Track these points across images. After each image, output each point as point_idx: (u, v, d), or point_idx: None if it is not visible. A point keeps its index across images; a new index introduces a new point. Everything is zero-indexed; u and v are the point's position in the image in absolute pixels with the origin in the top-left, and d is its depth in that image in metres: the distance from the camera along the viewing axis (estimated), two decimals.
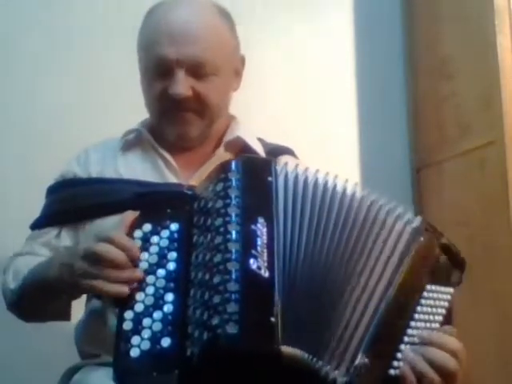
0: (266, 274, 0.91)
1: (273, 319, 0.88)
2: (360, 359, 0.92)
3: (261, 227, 0.95)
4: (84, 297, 1.23)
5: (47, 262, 1.17)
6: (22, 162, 1.79)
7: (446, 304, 1.01)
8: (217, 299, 0.89)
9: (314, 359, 0.91)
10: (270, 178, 1.01)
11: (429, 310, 0.99)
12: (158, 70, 1.22)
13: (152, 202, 1.08)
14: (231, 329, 0.86)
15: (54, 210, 1.29)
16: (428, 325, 0.98)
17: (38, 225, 1.30)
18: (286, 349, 0.88)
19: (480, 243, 1.68)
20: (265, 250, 0.93)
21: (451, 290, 1.03)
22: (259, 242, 0.93)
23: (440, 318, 1.00)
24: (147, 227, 1.03)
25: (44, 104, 1.82)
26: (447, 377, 0.95)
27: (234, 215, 0.95)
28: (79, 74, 1.83)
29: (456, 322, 1.02)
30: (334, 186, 1.05)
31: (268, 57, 1.93)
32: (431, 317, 0.99)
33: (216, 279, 0.91)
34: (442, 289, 1.02)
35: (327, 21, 2.01)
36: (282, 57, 1.96)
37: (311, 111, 1.96)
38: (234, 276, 0.90)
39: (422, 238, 1.03)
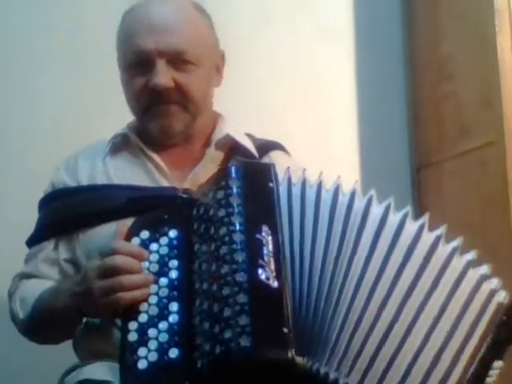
0: (275, 284, 0.90)
1: (285, 330, 0.87)
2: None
3: (266, 235, 0.94)
4: None
5: (55, 294, 1.16)
6: (21, 162, 1.79)
7: (494, 378, 0.98)
8: (227, 312, 0.88)
9: (325, 367, 0.91)
10: (270, 184, 1.00)
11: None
12: (138, 63, 1.21)
13: (147, 208, 1.06)
14: (245, 342, 0.85)
15: (48, 222, 1.28)
16: None
17: (33, 240, 1.29)
18: (300, 359, 0.88)
19: (480, 243, 1.67)
20: (271, 259, 0.92)
21: (501, 363, 0.99)
22: (265, 251, 0.92)
23: None
24: (145, 234, 1.02)
25: (44, 104, 1.82)
26: None
27: (237, 224, 0.94)
28: (80, 74, 1.83)
29: None
30: (337, 192, 1.02)
31: (268, 57, 1.93)
32: None
33: (225, 291, 0.89)
34: (496, 364, 0.98)
35: (327, 21, 2.01)
36: (281, 57, 1.95)
37: (311, 111, 1.95)
38: (243, 287, 0.89)
39: (504, 318, 0.98)
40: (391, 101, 2.02)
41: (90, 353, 1.20)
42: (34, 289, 1.21)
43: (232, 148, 1.28)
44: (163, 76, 1.19)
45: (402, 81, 2.03)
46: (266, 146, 1.32)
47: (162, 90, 1.19)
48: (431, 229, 1.06)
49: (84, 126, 1.78)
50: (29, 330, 1.24)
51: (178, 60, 1.20)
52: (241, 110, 1.80)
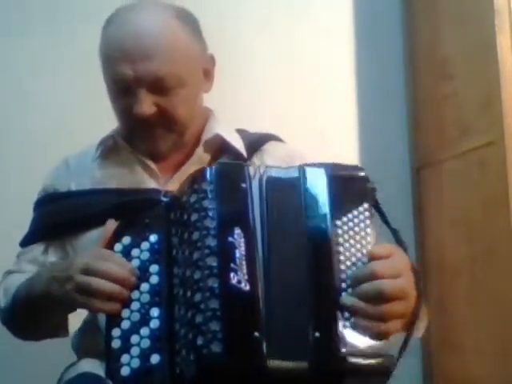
0: (247, 288, 0.90)
1: (256, 334, 0.87)
2: (311, 338, 0.90)
3: (238, 238, 0.93)
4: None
5: (33, 278, 1.16)
6: (21, 163, 1.79)
7: (368, 222, 0.98)
8: (199, 318, 0.88)
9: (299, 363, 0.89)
10: (243, 185, 0.98)
11: (352, 241, 0.96)
12: (119, 89, 1.18)
13: (129, 213, 1.06)
14: (216, 348, 0.86)
15: (38, 227, 1.28)
16: (359, 254, 0.95)
17: (25, 242, 1.30)
18: (273, 362, 0.87)
19: (480, 243, 1.68)
20: (244, 262, 0.91)
21: (365, 205, 1.00)
22: (238, 255, 0.92)
23: (369, 240, 0.97)
24: (126, 240, 1.02)
25: (44, 104, 1.82)
26: (390, 297, 0.91)
27: (209, 228, 0.94)
28: (80, 74, 1.83)
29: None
30: (310, 184, 1.02)
31: (268, 57, 1.93)
32: (358, 245, 0.96)
33: (197, 297, 0.90)
34: (355, 212, 0.99)
35: (327, 21, 2.01)
36: (281, 57, 1.95)
37: (311, 111, 1.95)
38: (214, 293, 0.89)
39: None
40: (391, 101, 2.02)
41: (89, 352, 1.20)
42: (16, 280, 1.21)
43: (220, 147, 1.26)
44: (144, 104, 1.15)
45: (402, 81, 2.03)
46: (258, 141, 1.31)
47: (145, 118, 1.17)
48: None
49: (84, 126, 1.78)
50: (8, 320, 1.24)
51: (158, 86, 1.16)
52: (241, 109, 1.80)
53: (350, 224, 0.98)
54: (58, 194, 1.28)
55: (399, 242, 1.02)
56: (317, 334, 0.90)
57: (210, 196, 0.97)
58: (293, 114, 1.93)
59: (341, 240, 0.96)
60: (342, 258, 0.95)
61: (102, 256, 1.01)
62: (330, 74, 1.99)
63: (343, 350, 0.90)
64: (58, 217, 1.26)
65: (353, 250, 0.96)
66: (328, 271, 0.94)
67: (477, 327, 1.67)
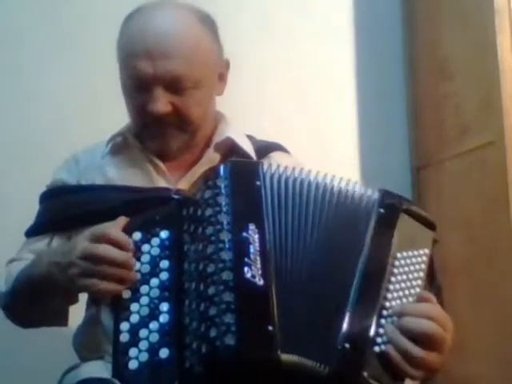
0: (261, 282, 0.91)
1: (270, 328, 0.88)
2: (340, 346, 0.91)
3: (252, 234, 0.94)
4: (82, 302, 1.22)
5: (34, 261, 1.17)
6: (21, 163, 1.79)
7: (423, 266, 1.00)
8: (213, 311, 0.89)
9: (316, 363, 0.90)
10: (258, 182, 1.00)
11: (404, 277, 0.98)
12: (136, 85, 1.18)
13: (140, 209, 1.07)
14: (229, 340, 0.86)
15: (46, 218, 1.29)
16: (407, 292, 0.97)
17: (31, 233, 1.30)
18: (286, 356, 0.88)
19: (480, 243, 1.68)
20: (258, 258, 0.93)
21: (426, 251, 1.02)
22: (252, 250, 0.93)
23: (420, 283, 0.99)
24: (137, 236, 1.02)
25: (44, 104, 1.82)
26: (432, 343, 0.92)
27: (224, 223, 0.95)
28: (81, 74, 1.83)
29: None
30: (318, 183, 1.04)
31: (267, 57, 1.93)
32: (408, 283, 0.98)
33: (211, 290, 0.91)
34: (415, 253, 1.01)
35: (327, 21, 2.01)
36: (281, 57, 1.95)
37: (311, 111, 1.96)
38: (229, 286, 0.90)
39: (381, 210, 1.02)
40: (391, 101, 2.02)
41: (91, 349, 1.20)
42: (19, 266, 1.21)
43: (230, 149, 1.27)
44: (160, 103, 1.16)
45: (402, 81, 2.03)
46: (266, 148, 1.32)
47: (160, 116, 1.18)
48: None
49: (85, 125, 1.78)
50: (10, 305, 1.23)
51: (175, 85, 1.17)
52: (241, 110, 1.80)
53: (408, 261, 1.00)
54: (68, 187, 1.28)
55: (441, 300, 1.03)
56: (347, 345, 0.91)
57: (224, 192, 0.98)
58: (293, 114, 1.93)
59: (395, 271, 0.98)
60: (390, 287, 0.96)
61: (100, 236, 1.01)
62: (330, 74, 1.99)
63: (367, 369, 0.90)
64: (67, 211, 1.25)
65: (403, 285, 0.98)
66: (375, 292, 0.95)
67: (477, 327, 1.67)
